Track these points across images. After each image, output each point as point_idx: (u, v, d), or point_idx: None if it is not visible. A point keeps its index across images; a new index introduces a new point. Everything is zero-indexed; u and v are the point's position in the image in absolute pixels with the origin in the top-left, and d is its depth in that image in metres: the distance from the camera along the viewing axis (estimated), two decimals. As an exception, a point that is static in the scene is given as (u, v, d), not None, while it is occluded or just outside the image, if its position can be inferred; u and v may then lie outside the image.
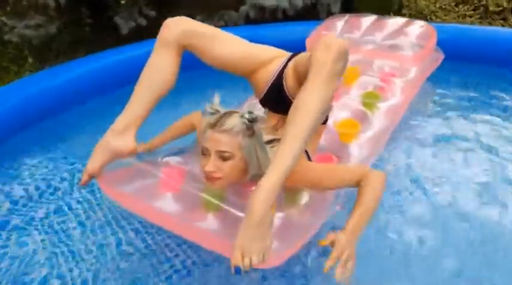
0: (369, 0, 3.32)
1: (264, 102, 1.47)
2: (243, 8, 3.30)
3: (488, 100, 2.33)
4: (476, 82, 2.54)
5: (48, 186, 1.78)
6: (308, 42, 2.41)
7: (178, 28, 1.36)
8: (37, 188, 1.76)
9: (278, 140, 1.35)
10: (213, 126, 1.18)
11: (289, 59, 1.49)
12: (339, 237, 1.10)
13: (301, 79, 1.36)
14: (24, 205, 1.68)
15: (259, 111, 1.32)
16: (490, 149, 1.87)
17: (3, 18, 3.68)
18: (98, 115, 2.22)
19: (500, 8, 3.55)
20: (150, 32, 3.34)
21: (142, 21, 3.38)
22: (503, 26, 3.50)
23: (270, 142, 1.30)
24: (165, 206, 1.21)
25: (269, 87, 1.47)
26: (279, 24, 3.08)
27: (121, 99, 1.41)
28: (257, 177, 1.23)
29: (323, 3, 3.18)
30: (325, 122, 1.53)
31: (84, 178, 1.34)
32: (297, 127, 1.09)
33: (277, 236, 1.08)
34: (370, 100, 1.87)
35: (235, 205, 1.18)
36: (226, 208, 1.18)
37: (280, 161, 1.07)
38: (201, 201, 1.22)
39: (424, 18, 3.60)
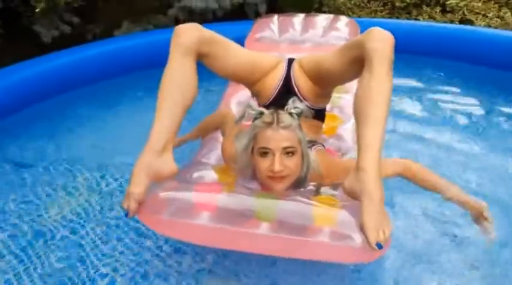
0: (292, 0, 3.52)
1: (272, 106, 1.38)
2: (172, 11, 3.31)
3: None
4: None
5: None
6: (247, 45, 2.46)
7: (195, 34, 1.30)
8: None
9: (309, 142, 1.37)
10: (271, 124, 1.18)
11: (289, 63, 1.55)
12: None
13: (322, 78, 1.45)
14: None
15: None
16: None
17: None
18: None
19: (405, 4, 3.97)
20: (75, 39, 3.22)
21: (66, 29, 3.23)
22: (408, 19, 3.91)
23: None
24: (213, 222, 1.10)
25: (277, 91, 1.51)
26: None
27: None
28: (302, 177, 1.26)
29: (250, 3, 3.31)
30: (323, 119, 1.60)
31: (133, 206, 1.16)
32: (376, 113, 1.13)
33: None
34: (338, 94, 1.95)
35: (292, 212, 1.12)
36: (289, 209, 1.12)
37: (372, 144, 1.11)
38: (252, 212, 1.12)
39: (341, 14, 3.90)
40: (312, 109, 1.48)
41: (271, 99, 1.52)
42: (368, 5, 4.03)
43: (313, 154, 1.31)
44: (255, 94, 1.60)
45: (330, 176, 1.31)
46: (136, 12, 3.42)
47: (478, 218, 1.31)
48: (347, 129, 1.79)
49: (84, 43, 2.96)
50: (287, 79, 1.52)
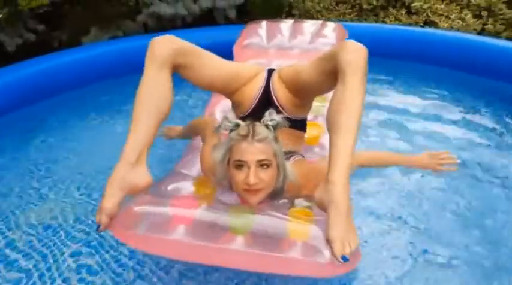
0: (262, 4, 3.54)
1: (251, 116, 1.40)
2: (141, 17, 3.27)
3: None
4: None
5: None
6: (236, 51, 2.47)
7: (170, 46, 1.31)
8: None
9: (288, 153, 1.38)
10: (246, 136, 1.18)
11: (269, 73, 1.56)
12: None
13: (300, 89, 1.46)
14: None
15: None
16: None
17: None
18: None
19: (372, 6, 4.06)
20: (41, 47, 3.15)
21: (31, 37, 3.15)
22: (376, 21, 4.01)
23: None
24: (188, 238, 1.11)
25: (257, 101, 1.51)
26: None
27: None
28: (278, 189, 1.27)
29: (219, 8, 3.31)
30: (304, 129, 1.61)
31: (105, 220, 1.15)
32: (348, 123, 1.15)
33: None
34: (319, 102, 1.94)
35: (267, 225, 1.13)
36: (264, 225, 1.13)
37: (342, 154, 1.12)
38: (227, 226, 1.13)
39: (311, 17, 3.96)
40: (293, 119, 1.50)
41: (250, 109, 1.53)
42: (336, 7, 4.09)
43: (290, 165, 1.32)
44: (235, 104, 1.60)
45: (309, 186, 1.31)
46: (103, 18, 3.37)
47: (436, 169, 1.69)
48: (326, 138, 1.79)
49: (51, 51, 2.90)
50: (266, 90, 1.53)
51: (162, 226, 1.14)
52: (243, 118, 1.48)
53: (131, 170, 1.21)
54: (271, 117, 1.25)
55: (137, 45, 2.67)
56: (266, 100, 1.51)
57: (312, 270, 1.07)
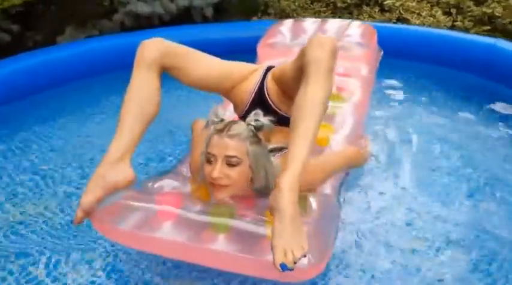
0: (238, 3, 3.58)
1: (247, 115, 1.38)
2: (117, 17, 3.27)
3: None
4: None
5: None
6: (259, 50, 2.42)
7: (157, 48, 1.33)
8: None
9: (279, 149, 1.38)
10: (220, 131, 1.18)
11: (266, 71, 1.55)
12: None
13: (285, 87, 1.45)
14: None
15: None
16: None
17: None
18: None
19: (346, 4, 4.17)
20: (15, 47, 3.11)
21: (5, 37, 3.11)
22: (350, 19, 4.11)
23: (270, 151, 1.30)
24: (170, 234, 1.12)
25: (251, 100, 1.51)
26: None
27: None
28: (263, 189, 1.25)
29: (196, 7, 3.34)
30: None
31: (79, 215, 1.18)
32: (306, 122, 1.13)
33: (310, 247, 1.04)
34: (335, 103, 1.88)
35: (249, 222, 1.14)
36: (240, 227, 1.12)
37: (295, 157, 1.09)
38: (208, 224, 1.14)
39: (287, 16, 4.03)
40: (287, 117, 1.47)
41: (246, 107, 1.53)
42: (312, 6, 4.18)
43: (276, 161, 1.31)
44: (234, 104, 1.61)
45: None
46: (79, 18, 3.35)
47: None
48: (339, 139, 1.70)
49: (26, 51, 2.87)
50: (261, 87, 1.53)
51: (144, 221, 1.15)
52: (243, 117, 1.51)
53: (112, 169, 1.24)
54: (255, 117, 1.23)
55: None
56: (260, 98, 1.52)
57: (285, 275, 1.03)
